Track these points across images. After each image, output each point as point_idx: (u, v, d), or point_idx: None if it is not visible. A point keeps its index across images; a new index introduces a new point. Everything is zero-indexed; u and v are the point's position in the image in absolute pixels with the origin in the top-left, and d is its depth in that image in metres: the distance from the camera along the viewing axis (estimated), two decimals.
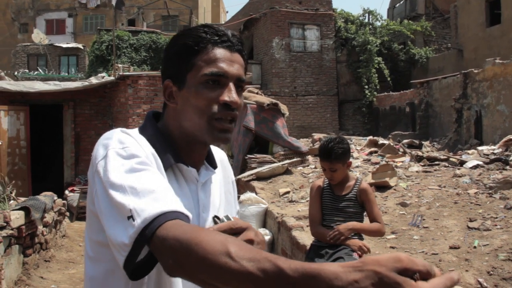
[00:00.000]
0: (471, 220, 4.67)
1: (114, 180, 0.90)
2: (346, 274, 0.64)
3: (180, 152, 1.10)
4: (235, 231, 0.94)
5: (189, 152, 1.12)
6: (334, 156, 2.87)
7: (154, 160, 1.00)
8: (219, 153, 1.29)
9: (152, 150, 1.02)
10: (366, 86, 18.78)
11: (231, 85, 1.07)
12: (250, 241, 0.93)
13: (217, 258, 0.73)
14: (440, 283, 0.63)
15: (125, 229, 0.85)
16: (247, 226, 0.96)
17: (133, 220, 0.84)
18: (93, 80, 11.70)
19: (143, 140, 1.03)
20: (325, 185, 3.08)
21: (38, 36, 25.07)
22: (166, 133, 1.12)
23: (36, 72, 21.83)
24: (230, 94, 1.06)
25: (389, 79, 19.16)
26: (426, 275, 0.65)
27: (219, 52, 1.07)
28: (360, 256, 2.93)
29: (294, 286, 0.66)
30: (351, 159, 3.14)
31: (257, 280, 0.69)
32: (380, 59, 19.17)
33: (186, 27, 1.17)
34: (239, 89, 1.10)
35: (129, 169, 0.92)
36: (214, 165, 1.19)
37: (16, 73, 21.27)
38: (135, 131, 1.07)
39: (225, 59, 1.07)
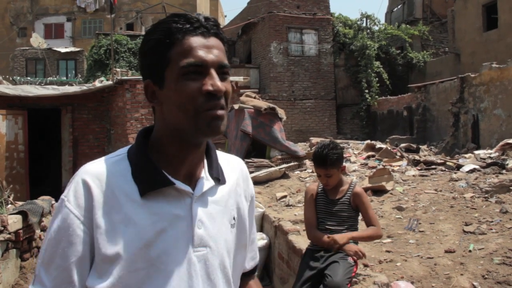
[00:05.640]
0: (466, 224, 4.69)
1: (42, 250, 1.01)
2: None
3: (170, 166, 1.04)
4: None
5: (182, 161, 1.05)
6: (329, 162, 2.90)
7: (103, 205, 0.99)
8: (239, 164, 1.23)
9: (112, 189, 1.00)
10: (367, 91, 18.80)
11: (213, 72, 0.99)
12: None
13: None
14: None
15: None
16: None
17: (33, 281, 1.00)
18: (96, 83, 11.73)
19: (93, 188, 0.99)
20: (319, 189, 3.10)
21: (37, 40, 25.10)
22: (156, 145, 1.06)
23: (36, 78, 21.84)
24: (212, 82, 0.98)
25: (388, 83, 19.20)
26: None
27: (194, 40, 0.99)
28: (355, 261, 2.95)
29: None
30: (348, 164, 3.17)
31: None
32: (378, 63, 19.22)
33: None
34: (224, 75, 1.02)
35: (51, 248, 1.00)
36: (214, 175, 1.10)
37: (14, 77, 21.27)
38: (100, 166, 1.02)
39: (201, 47, 0.99)
